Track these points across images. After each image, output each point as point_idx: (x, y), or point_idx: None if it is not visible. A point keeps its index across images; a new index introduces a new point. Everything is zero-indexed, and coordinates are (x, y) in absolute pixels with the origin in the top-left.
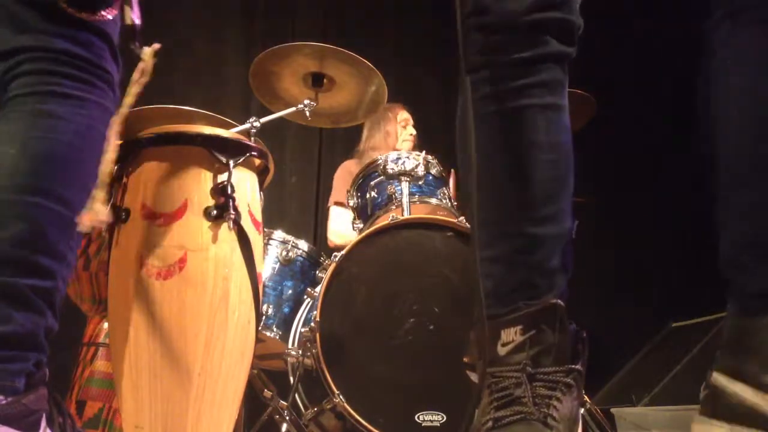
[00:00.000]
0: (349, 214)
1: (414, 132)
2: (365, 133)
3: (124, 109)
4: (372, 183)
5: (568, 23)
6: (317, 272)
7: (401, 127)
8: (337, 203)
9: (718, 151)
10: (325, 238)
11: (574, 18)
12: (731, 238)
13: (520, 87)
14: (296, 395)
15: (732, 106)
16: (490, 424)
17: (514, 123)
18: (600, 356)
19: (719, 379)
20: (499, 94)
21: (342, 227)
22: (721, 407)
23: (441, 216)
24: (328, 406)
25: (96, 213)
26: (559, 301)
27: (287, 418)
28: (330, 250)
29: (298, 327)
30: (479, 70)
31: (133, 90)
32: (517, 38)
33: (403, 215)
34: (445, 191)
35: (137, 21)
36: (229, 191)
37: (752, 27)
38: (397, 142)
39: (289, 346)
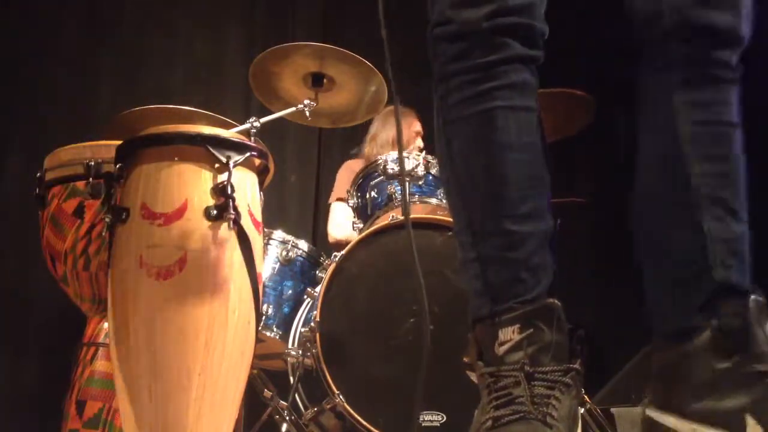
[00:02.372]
0: (349, 210)
1: (422, 144)
2: (373, 133)
3: None
4: (372, 183)
5: (529, 27)
6: (317, 272)
7: (412, 137)
8: (339, 199)
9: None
10: (326, 237)
11: (535, 23)
12: (652, 279)
13: (488, 90)
14: (296, 395)
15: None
16: (489, 423)
17: (484, 126)
18: (600, 356)
19: (651, 413)
20: (469, 99)
21: (343, 221)
22: None
23: (441, 216)
24: (328, 406)
25: None
26: (555, 300)
27: (287, 418)
28: (330, 250)
29: (298, 327)
30: (449, 79)
31: None
32: (479, 44)
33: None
34: None
35: None
36: (229, 191)
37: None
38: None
39: (289, 346)
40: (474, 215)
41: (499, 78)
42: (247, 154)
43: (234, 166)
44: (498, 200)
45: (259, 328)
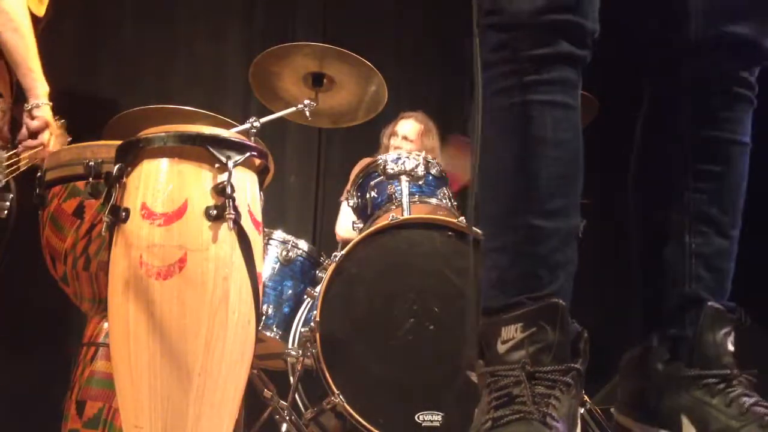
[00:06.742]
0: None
1: (400, 145)
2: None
3: None
4: (372, 183)
5: (579, 26)
6: (317, 272)
7: (389, 137)
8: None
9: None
10: (326, 237)
11: (586, 22)
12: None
13: (529, 83)
14: (296, 395)
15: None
16: (489, 423)
17: (521, 118)
18: (600, 356)
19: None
20: (509, 90)
21: (350, 223)
22: None
23: (441, 216)
24: (328, 406)
25: None
26: (561, 300)
27: (287, 418)
28: (330, 250)
29: (298, 327)
30: (492, 67)
31: None
32: (528, 37)
33: (403, 215)
34: (445, 191)
35: None
36: (229, 191)
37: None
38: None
39: (289, 346)
40: (500, 206)
41: (542, 73)
42: (247, 154)
43: (234, 166)
44: (526, 193)
45: (259, 328)
